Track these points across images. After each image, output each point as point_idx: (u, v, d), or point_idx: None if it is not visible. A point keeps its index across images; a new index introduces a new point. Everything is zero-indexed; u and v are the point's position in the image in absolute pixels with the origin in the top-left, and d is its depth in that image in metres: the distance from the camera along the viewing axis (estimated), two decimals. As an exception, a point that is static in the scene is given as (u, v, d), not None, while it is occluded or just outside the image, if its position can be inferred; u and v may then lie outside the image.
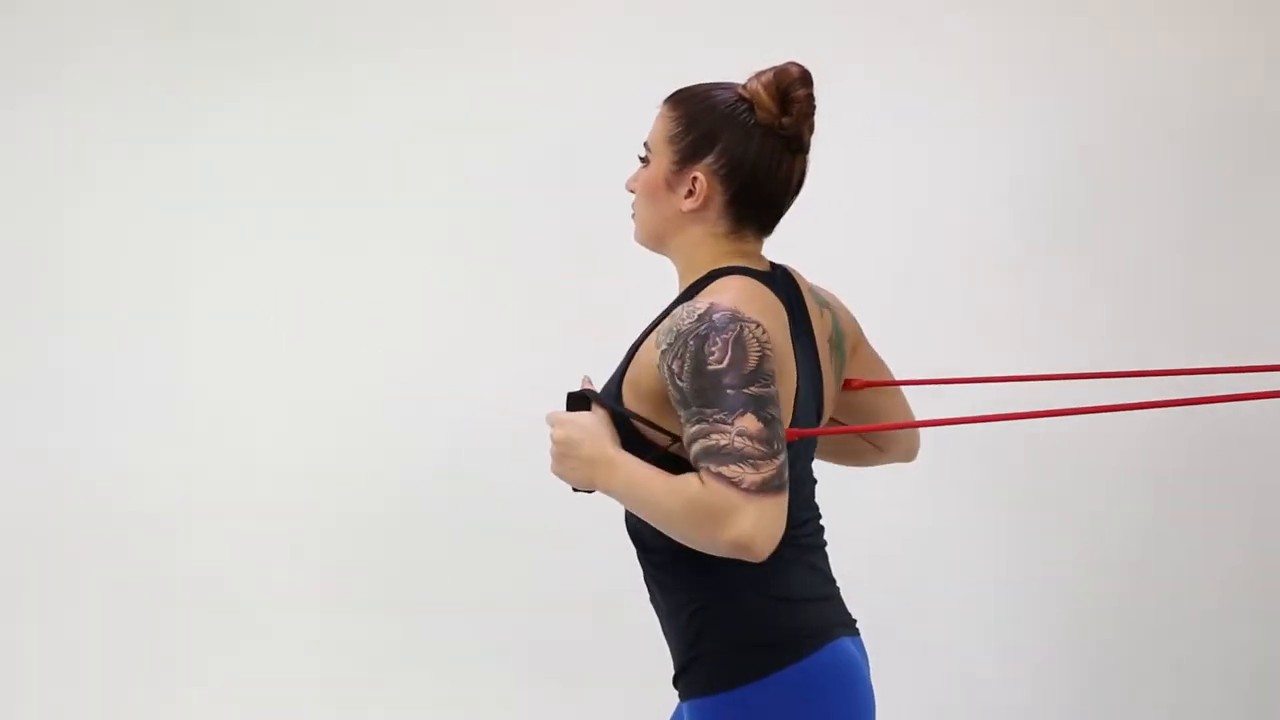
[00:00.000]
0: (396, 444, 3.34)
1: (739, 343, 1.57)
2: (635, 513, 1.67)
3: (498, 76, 3.33)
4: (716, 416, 1.56)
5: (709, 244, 1.74)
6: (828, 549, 1.79)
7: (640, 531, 1.74)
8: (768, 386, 1.58)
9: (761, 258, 1.78)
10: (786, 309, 1.71)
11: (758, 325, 1.59)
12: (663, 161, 1.74)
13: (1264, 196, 3.19)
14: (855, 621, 1.77)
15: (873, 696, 1.71)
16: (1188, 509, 3.23)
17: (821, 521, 1.79)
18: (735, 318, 1.59)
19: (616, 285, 3.06)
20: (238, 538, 3.36)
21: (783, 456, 1.57)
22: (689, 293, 1.71)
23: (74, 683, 3.35)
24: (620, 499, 1.67)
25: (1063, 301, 3.23)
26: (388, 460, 3.34)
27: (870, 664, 1.76)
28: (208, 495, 3.36)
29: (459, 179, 3.34)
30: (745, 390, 1.56)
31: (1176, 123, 3.20)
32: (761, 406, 1.56)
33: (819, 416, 1.79)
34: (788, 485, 1.57)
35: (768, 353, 1.59)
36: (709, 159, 1.71)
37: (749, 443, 1.55)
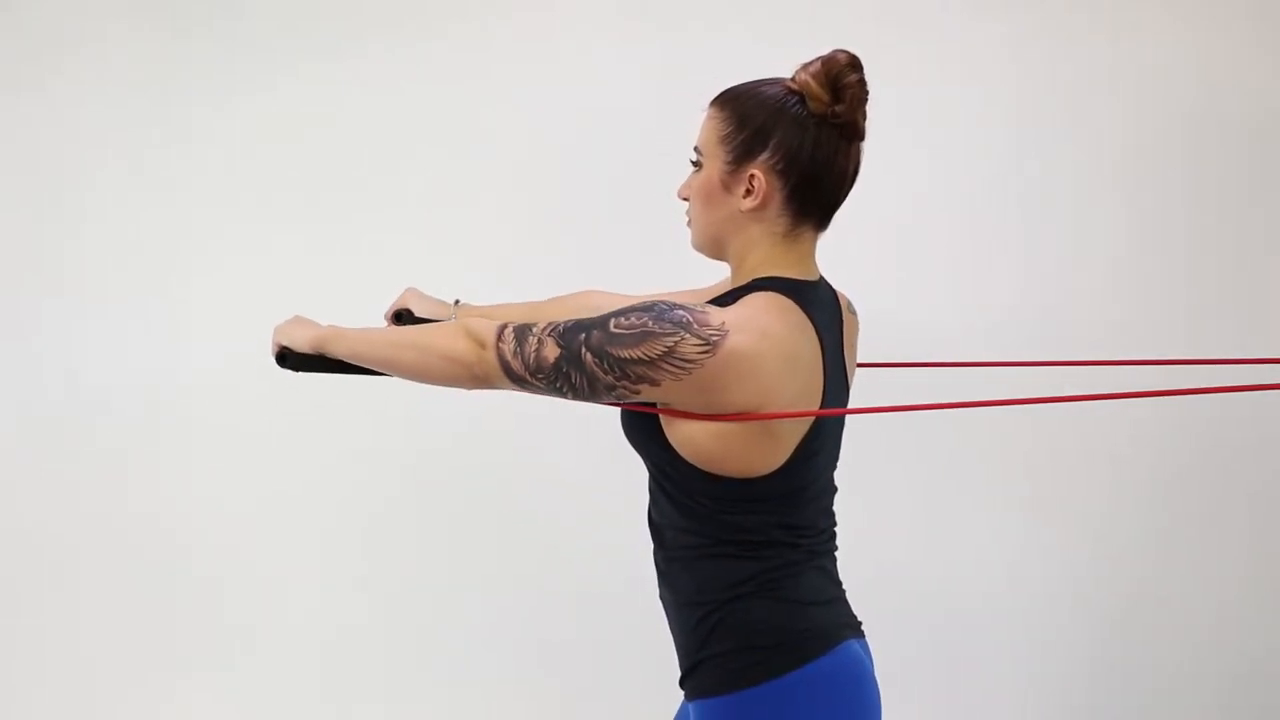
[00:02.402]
0: (399, 444, 3.34)
1: (654, 340, 1.57)
2: (382, 354, 1.75)
3: (499, 73, 3.32)
4: (567, 324, 1.62)
5: (764, 245, 1.72)
6: (837, 552, 1.80)
7: (661, 528, 1.75)
8: (605, 373, 1.59)
9: (813, 264, 1.75)
10: (823, 326, 1.69)
11: (705, 347, 1.57)
12: (717, 163, 1.71)
13: (1267, 194, 3.20)
14: (860, 623, 1.78)
15: (879, 698, 1.72)
16: (1194, 502, 3.24)
17: (836, 528, 1.79)
18: (687, 327, 1.57)
19: (625, 282, 3.06)
20: (239, 537, 3.36)
21: (532, 382, 1.64)
22: (727, 298, 1.69)
23: (72, 682, 3.35)
24: (363, 348, 1.77)
25: (1065, 302, 3.23)
26: (390, 460, 3.34)
27: (875, 663, 1.77)
28: (209, 494, 3.36)
29: (460, 175, 3.34)
30: (589, 348, 1.59)
31: (1179, 121, 3.20)
32: (574, 363, 1.61)
33: (840, 433, 1.79)
34: (501, 384, 1.67)
35: (661, 369, 1.57)
36: (765, 155, 1.68)
37: (533, 349, 1.62)
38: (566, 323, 1.63)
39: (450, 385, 1.72)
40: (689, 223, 1.78)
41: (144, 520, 3.35)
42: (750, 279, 1.70)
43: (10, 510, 3.36)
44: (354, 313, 3.31)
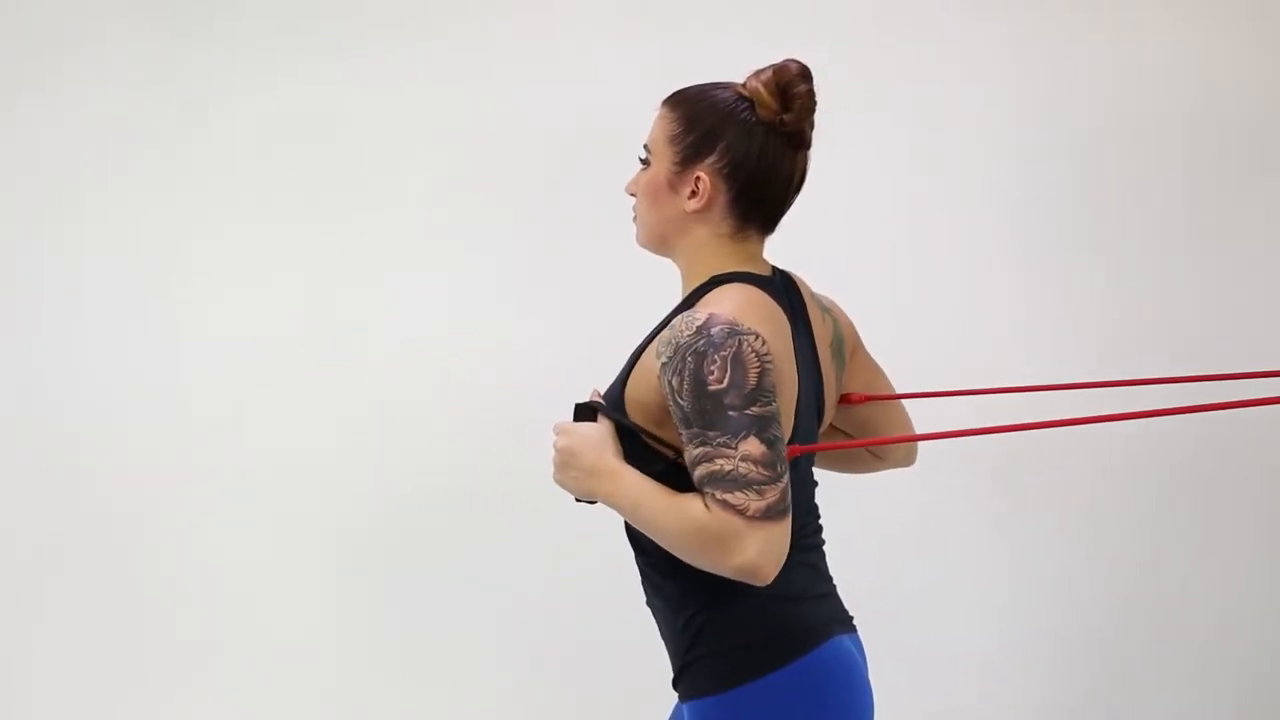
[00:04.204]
0: (398, 444, 3.34)
1: (738, 360, 1.57)
2: (638, 528, 1.68)
3: (499, 73, 3.32)
4: (719, 440, 1.56)
5: (712, 245, 1.74)
6: (825, 548, 1.80)
7: (638, 535, 1.75)
8: (769, 405, 1.57)
9: (763, 261, 1.77)
10: (788, 315, 1.71)
11: (756, 337, 1.59)
12: (664, 163, 1.74)
13: (1267, 194, 3.19)
14: (852, 619, 1.78)
15: (871, 694, 1.72)
16: (1190, 511, 3.23)
17: (820, 521, 1.80)
18: (733, 331, 1.58)
19: (625, 283, 3.06)
20: (239, 538, 3.36)
21: (786, 478, 1.57)
22: (689, 300, 1.71)
23: (72, 683, 3.35)
24: (621, 512, 1.68)
25: (1066, 302, 3.23)
26: (389, 460, 3.34)
27: (869, 663, 1.77)
28: (209, 494, 3.36)
29: (460, 175, 3.34)
30: (747, 411, 1.56)
31: (1179, 121, 3.19)
32: (764, 428, 1.56)
33: (819, 423, 1.79)
34: (791, 507, 1.58)
35: (767, 366, 1.58)
36: (711, 158, 1.70)
37: (753, 468, 1.55)
38: (707, 431, 1.56)
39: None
40: (634, 219, 1.80)
41: (143, 520, 3.36)
42: (708, 277, 1.72)
43: (10, 510, 3.36)
44: (356, 310, 3.33)
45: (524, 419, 3.08)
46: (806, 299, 1.82)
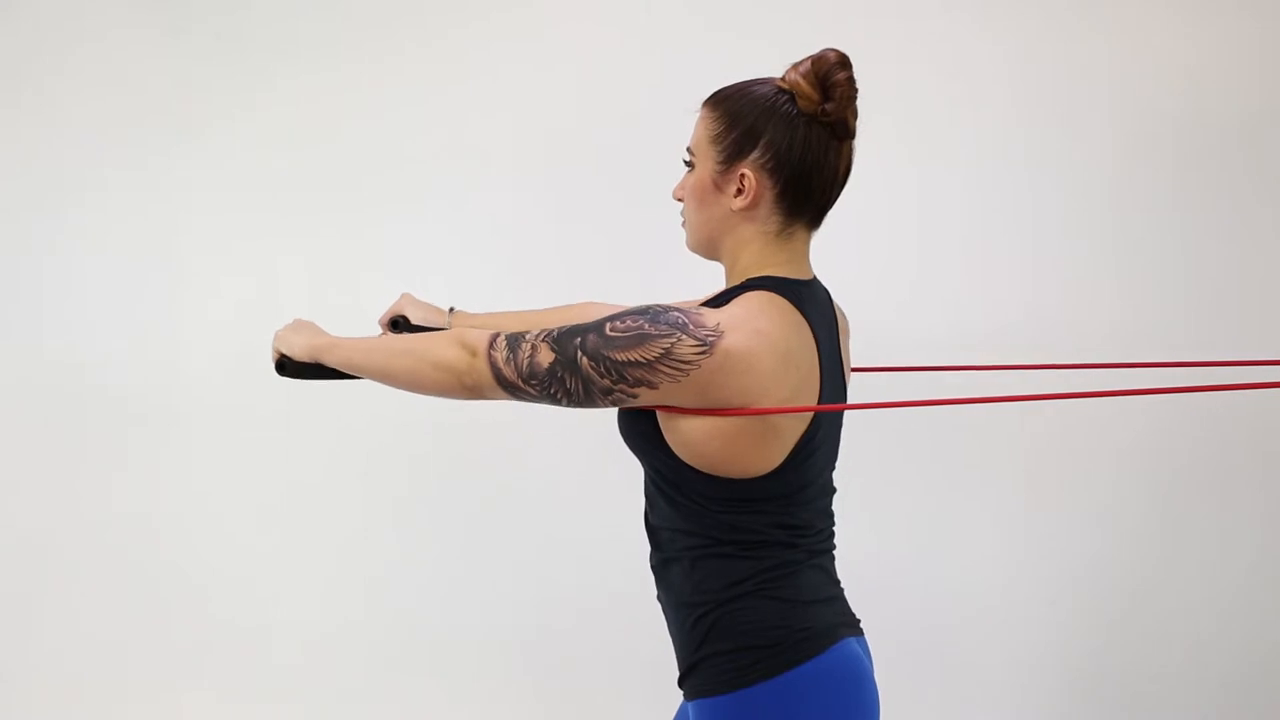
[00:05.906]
0: (399, 443, 3.34)
1: (651, 342, 1.57)
2: (376, 364, 1.75)
3: (498, 73, 3.32)
4: (561, 333, 1.62)
5: (758, 244, 1.72)
6: (835, 551, 1.80)
7: (658, 530, 1.75)
8: (602, 376, 1.59)
9: (806, 262, 1.76)
10: (818, 324, 1.69)
11: (703, 350, 1.57)
12: (708, 163, 1.72)
13: (1267, 194, 3.19)
14: (859, 621, 1.78)
15: (878, 696, 1.72)
16: (1194, 504, 3.24)
17: (834, 528, 1.79)
18: (686, 329, 1.57)
19: (625, 281, 3.06)
20: (236, 537, 3.36)
21: (525, 389, 1.64)
22: (724, 296, 1.70)
23: (72, 681, 3.35)
24: (352, 354, 1.78)
25: (1066, 302, 3.23)
26: (390, 460, 3.34)
27: (875, 662, 1.77)
28: (209, 494, 3.36)
29: (459, 175, 3.34)
30: (584, 351, 1.60)
31: (1178, 121, 3.20)
32: (570, 368, 1.61)
33: (838, 433, 1.79)
34: (493, 393, 1.66)
35: (658, 371, 1.58)
36: (755, 154, 1.69)
37: (526, 356, 1.62)
38: (561, 328, 1.63)
39: (443, 395, 1.71)
40: (684, 223, 1.78)
41: (143, 516, 3.36)
42: (744, 279, 1.71)
43: (10, 510, 3.36)
44: (354, 311, 3.33)
45: (524, 419, 3.09)
46: (838, 313, 1.82)
